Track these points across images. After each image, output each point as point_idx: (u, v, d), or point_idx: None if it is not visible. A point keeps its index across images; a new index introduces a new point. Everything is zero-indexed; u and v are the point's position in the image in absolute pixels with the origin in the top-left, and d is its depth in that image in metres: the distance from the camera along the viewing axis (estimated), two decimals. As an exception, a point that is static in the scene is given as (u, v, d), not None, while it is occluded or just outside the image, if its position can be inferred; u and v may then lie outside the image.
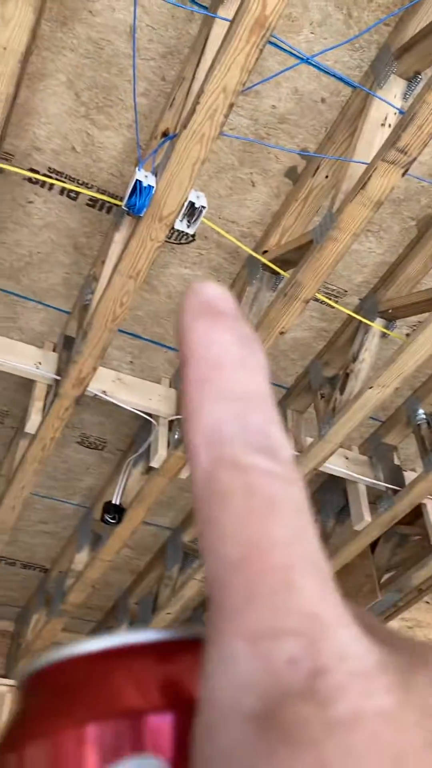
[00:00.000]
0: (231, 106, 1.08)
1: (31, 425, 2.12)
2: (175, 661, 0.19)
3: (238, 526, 0.17)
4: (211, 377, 0.19)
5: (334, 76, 1.59)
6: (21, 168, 1.61)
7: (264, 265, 1.85)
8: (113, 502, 2.53)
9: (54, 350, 2.21)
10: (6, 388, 2.40)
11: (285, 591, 0.16)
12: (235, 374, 0.19)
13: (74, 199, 1.76)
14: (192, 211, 1.21)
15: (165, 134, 1.38)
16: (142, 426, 2.45)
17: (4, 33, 0.80)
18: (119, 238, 1.52)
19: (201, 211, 1.22)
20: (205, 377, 0.19)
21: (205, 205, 1.28)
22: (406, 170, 1.43)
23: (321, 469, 2.31)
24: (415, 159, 1.44)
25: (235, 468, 0.18)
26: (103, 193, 1.74)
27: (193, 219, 1.23)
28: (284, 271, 1.87)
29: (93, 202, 1.79)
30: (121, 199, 1.52)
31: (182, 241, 1.78)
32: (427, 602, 3.56)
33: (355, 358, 2.03)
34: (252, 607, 0.16)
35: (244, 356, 0.19)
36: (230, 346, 0.19)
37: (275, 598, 0.16)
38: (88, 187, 1.68)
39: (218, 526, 0.17)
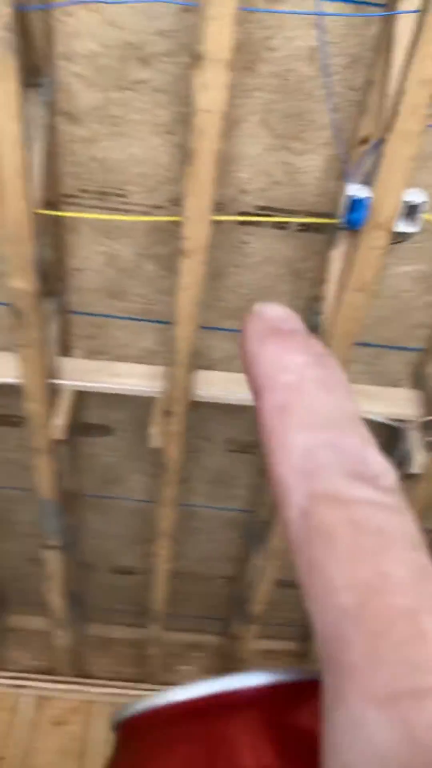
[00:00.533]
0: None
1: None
2: (293, 710, 0.17)
3: (348, 569, 0.15)
4: (292, 404, 0.17)
5: None
6: (231, 215, 1.69)
7: None
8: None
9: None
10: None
11: (416, 641, 0.14)
12: (317, 398, 0.17)
13: (284, 228, 1.80)
14: (411, 210, 1.18)
15: (365, 141, 1.37)
16: (390, 435, 2.39)
17: (207, 96, 0.85)
18: (337, 255, 1.51)
19: (421, 207, 1.18)
20: (285, 405, 0.17)
21: (425, 199, 1.24)
22: None
23: None
24: None
25: (335, 502, 0.16)
26: (312, 215, 1.75)
27: (414, 216, 1.19)
28: None
29: (304, 227, 1.82)
30: (331, 217, 1.52)
31: (399, 241, 1.74)
32: None
33: None
34: (379, 663, 0.14)
35: (323, 377, 0.18)
36: (306, 368, 0.18)
37: (406, 650, 0.14)
38: (297, 214, 1.71)
39: (325, 571, 0.15)
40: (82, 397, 1.31)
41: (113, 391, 1.14)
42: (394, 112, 1.04)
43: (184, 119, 1.15)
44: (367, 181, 1.18)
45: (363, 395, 2.10)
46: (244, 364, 0.19)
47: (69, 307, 1.20)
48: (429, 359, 1.37)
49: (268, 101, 1.44)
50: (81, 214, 1.13)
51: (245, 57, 1.40)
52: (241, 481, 1.66)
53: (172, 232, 1.32)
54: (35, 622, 1.76)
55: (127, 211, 1.21)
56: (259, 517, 1.50)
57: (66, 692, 1.62)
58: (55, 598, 1.50)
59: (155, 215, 1.27)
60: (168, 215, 1.29)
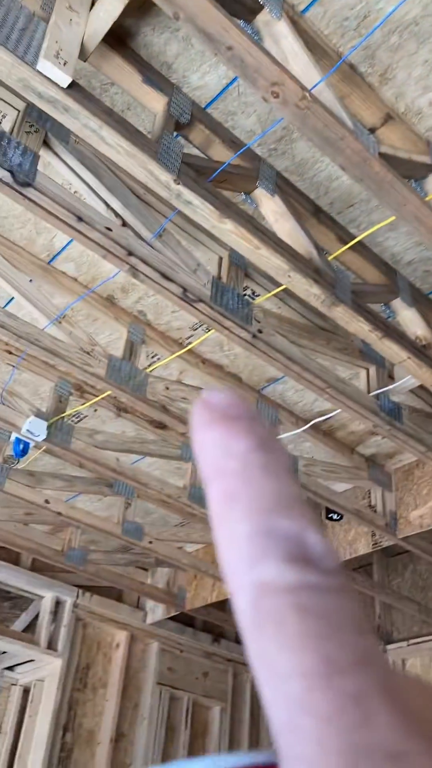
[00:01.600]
0: None
1: None
2: None
3: (296, 656, 0.15)
4: (236, 492, 0.17)
5: None
6: None
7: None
8: None
9: None
10: None
11: (361, 727, 0.14)
12: (260, 484, 0.17)
13: None
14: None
15: None
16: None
17: None
18: None
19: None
20: (230, 493, 0.17)
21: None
22: None
23: None
24: None
25: (279, 590, 0.16)
26: None
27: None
28: None
29: None
30: None
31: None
32: None
33: None
34: (329, 752, 0.14)
35: (267, 461, 0.18)
36: (250, 454, 0.18)
37: (352, 736, 0.14)
38: None
39: (274, 658, 0.15)
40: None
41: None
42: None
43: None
44: None
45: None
46: (195, 453, 0.19)
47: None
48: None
49: None
50: None
51: None
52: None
53: None
54: None
55: None
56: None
57: None
58: None
59: None
60: None
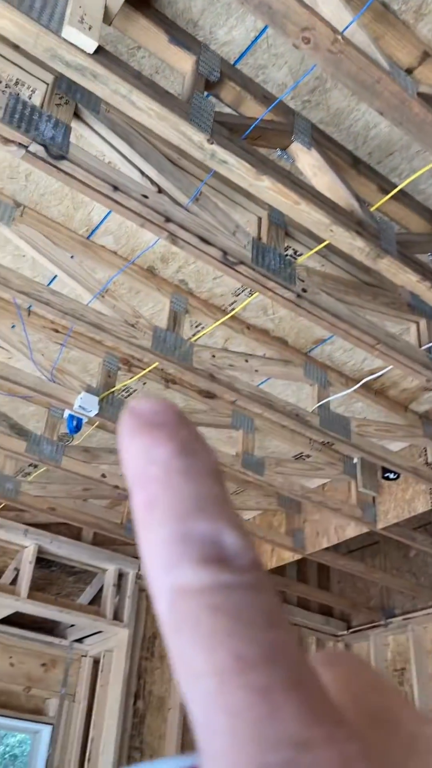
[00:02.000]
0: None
1: None
2: None
3: (208, 654, 0.15)
4: (156, 498, 0.17)
5: None
6: None
7: None
8: None
9: None
10: None
11: (268, 719, 0.15)
12: (180, 488, 0.17)
13: None
14: None
15: None
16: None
17: None
18: None
19: None
20: (150, 499, 0.17)
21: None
22: None
23: None
24: None
25: (190, 593, 0.16)
26: None
27: None
28: None
29: None
30: None
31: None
32: None
33: None
34: (241, 744, 0.15)
35: (188, 465, 0.18)
36: (171, 459, 0.18)
37: (260, 728, 0.15)
38: None
39: (189, 658, 0.16)
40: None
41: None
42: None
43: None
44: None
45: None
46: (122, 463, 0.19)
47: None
48: None
49: None
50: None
51: None
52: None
53: None
54: None
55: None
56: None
57: None
58: None
59: None
60: None
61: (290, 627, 0.17)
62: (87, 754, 4.07)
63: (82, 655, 4.43)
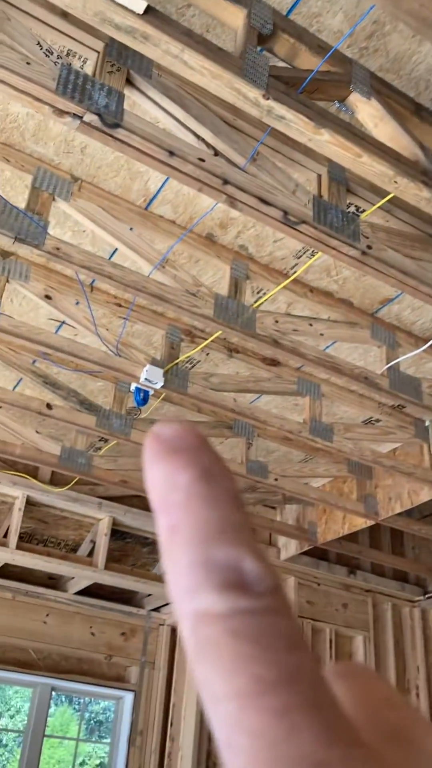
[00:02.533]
0: None
1: None
2: None
3: (228, 678, 0.16)
4: (179, 524, 0.18)
5: None
6: None
7: None
8: None
9: None
10: None
11: (286, 740, 0.15)
12: (201, 514, 0.18)
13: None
14: None
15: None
16: None
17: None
18: None
19: None
20: (173, 524, 0.18)
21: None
22: None
23: None
24: None
25: (210, 618, 0.17)
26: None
27: None
28: None
29: None
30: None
31: None
32: None
33: None
34: (257, 765, 0.15)
35: (208, 491, 0.18)
36: (192, 485, 0.18)
37: (279, 749, 0.15)
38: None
39: (212, 682, 0.16)
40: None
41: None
42: None
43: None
44: None
45: None
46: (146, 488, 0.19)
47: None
48: None
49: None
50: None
51: None
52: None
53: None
54: None
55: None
56: None
57: None
58: None
59: None
60: None
61: (309, 649, 0.17)
62: (169, 719, 4.17)
63: (160, 624, 4.53)
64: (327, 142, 1.68)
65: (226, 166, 1.80)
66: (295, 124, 1.64)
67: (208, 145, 1.83)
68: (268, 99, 1.57)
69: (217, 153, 1.83)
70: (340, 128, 1.68)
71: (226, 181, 1.79)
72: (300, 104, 1.62)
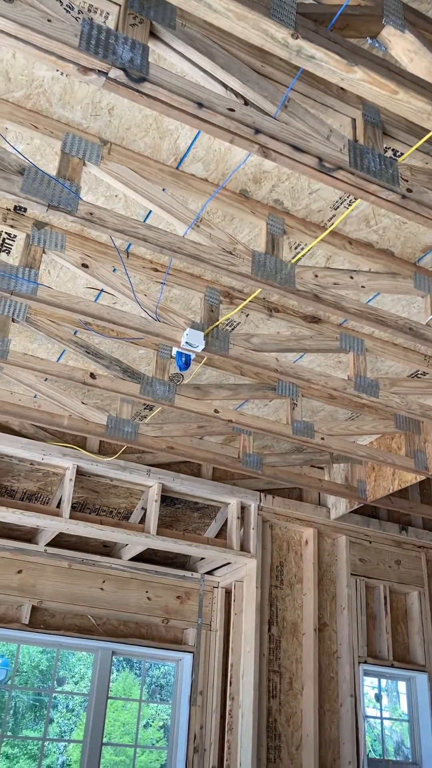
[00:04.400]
0: None
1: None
2: None
3: None
4: None
5: None
6: None
7: None
8: None
9: None
10: None
11: None
12: None
13: None
14: None
15: None
16: None
17: None
18: None
19: None
20: None
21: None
22: None
23: None
24: None
25: None
26: None
27: None
28: None
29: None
30: None
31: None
32: None
33: None
34: None
35: None
36: None
37: None
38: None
39: None
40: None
41: None
42: None
43: None
44: None
45: None
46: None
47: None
48: None
49: None
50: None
51: None
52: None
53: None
54: None
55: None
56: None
57: None
58: None
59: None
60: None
61: None
62: (228, 678, 4.24)
63: (214, 587, 4.58)
64: (360, 81, 1.62)
65: (256, 114, 1.75)
66: (326, 63, 1.57)
67: (237, 94, 1.78)
68: (297, 38, 1.51)
69: (247, 102, 1.78)
70: (373, 65, 1.61)
71: (257, 131, 1.74)
72: (330, 42, 1.56)
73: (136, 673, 12.15)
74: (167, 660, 4.65)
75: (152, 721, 11.41)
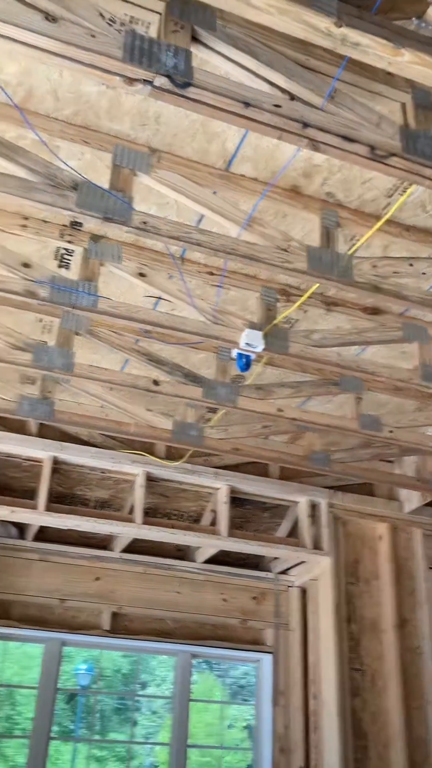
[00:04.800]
0: None
1: None
2: None
3: None
4: None
5: None
6: None
7: None
8: None
9: None
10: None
11: None
12: None
13: None
14: None
15: None
16: None
17: None
18: None
19: None
20: None
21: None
22: None
23: None
24: None
25: None
26: None
27: None
28: None
29: None
30: None
31: None
32: None
33: None
34: None
35: None
36: None
37: None
38: None
39: None
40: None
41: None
42: None
43: None
44: None
45: None
46: None
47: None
48: None
49: None
50: None
51: None
52: None
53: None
54: None
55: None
56: None
57: None
58: None
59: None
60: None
61: None
62: (309, 677, 4.21)
63: (289, 586, 4.55)
64: (408, 63, 1.58)
65: (303, 108, 1.73)
66: (372, 49, 1.55)
67: (282, 90, 1.76)
68: (340, 26, 1.49)
69: (293, 97, 1.76)
70: (421, 45, 1.57)
71: (306, 124, 1.72)
72: (375, 26, 1.53)
73: (216, 675, 12.22)
74: (247, 661, 4.65)
75: (235, 722, 11.45)
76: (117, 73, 1.57)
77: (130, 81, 1.58)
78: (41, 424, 3.88)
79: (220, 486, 4.13)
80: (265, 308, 2.83)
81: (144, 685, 11.78)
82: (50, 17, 1.53)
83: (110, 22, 1.60)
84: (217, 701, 12.13)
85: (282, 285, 2.87)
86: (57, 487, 4.10)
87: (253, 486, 4.19)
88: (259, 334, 2.70)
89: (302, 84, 1.76)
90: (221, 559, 4.41)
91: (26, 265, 2.44)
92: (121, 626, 4.20)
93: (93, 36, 1.53)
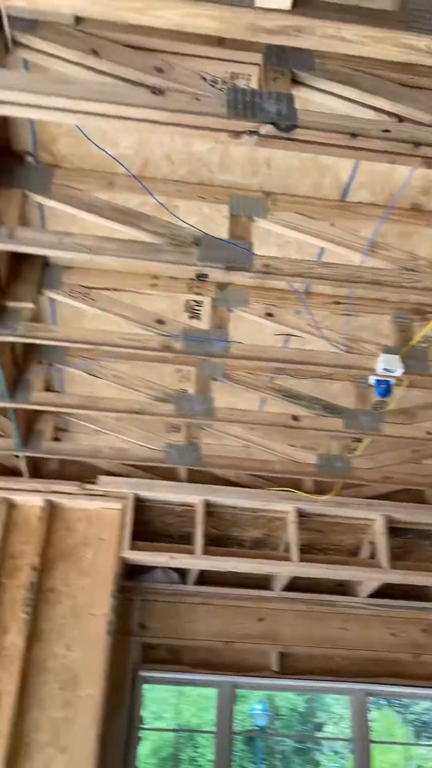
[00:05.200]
0: None
1: None
2: None
3: None
4: None
5: None
6: None
7: None
8: None
9: None
10: None
11: None
12: None
13: None
14: None
15: None
16: None
17: None
18: None
19: None
20: None
21: None
22: None
23: None
24: None
25: None
26: None
27: None
28: None
29: None
30: None
31: None
32: None
33: None
34: None
35: None
36: None
37: None
38: None
39: None
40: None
41: None
42: None
43: None
44: None
45: None
46: None
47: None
48: None
49: None
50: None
51: None
52: None
53: None
54: None
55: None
56: None
57: None
58: None
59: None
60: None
61: None
62: None
63: (462, 617, 4.29)
64: None
65: (413, 128, 1.70)
66: None
67: (389, 114, 1.74)
68: (441, 42, 1.45)
69: (401, 119, 1.73)
70: None
71: (417, 144, 1.68)
72: None
73: (396, 710, 11.67)
74: (427, 698, 4.41)
75: (425, 763, 10.83)
76: (223, 129, 1.62)
77: (237, 134, 1.63)
78: (190, 469, 3.98)
79: (374, 517, 4.01)
80: (398, 330, 2.76)
81: (321, 726, 11.48)
82: (157, 90, 1.62)
83: (212, 83, 1.67)
84: (400, 743, 11.55)
85: (414, 305, 2.78)
86: (212, 530, 4.17)
87: (409, 514, 4.02)
88: (396, 357, 2.63)
89: (409, 104, 1.73)
90: (384, 591, 4.25)
91: (160, 322, 2.56)
92: (289, 666, 4.14)
93: (197, 99, 1.60)
